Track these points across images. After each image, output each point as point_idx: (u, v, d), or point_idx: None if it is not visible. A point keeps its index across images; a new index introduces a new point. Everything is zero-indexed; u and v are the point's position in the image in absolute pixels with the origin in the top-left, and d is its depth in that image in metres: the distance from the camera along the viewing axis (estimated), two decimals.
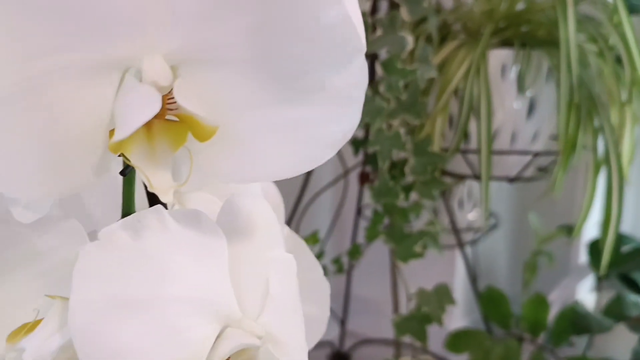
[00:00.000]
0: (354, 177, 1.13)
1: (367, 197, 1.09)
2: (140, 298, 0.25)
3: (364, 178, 1.11)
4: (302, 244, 0.39)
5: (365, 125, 0.90)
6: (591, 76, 0.92)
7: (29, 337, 0.25)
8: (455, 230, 1.09)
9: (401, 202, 0.92)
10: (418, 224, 0.99)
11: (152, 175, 0.25)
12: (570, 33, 0.85)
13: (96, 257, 0.25)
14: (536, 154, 0.99)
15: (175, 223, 0.27)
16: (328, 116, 0.25)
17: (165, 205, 0.27)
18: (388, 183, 0.85)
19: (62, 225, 0.26)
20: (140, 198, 0.29)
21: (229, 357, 0.28)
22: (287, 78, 0.25)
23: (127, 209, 0.28)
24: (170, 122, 0.26)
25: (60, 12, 0.23)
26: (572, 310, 1.01)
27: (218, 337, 0.27)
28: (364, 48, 0.24)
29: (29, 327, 0.26)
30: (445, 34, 0.99)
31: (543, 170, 1.06)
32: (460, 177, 1.04)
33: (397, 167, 0.89)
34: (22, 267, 0.28)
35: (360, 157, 1.07)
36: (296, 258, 0.31)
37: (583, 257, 1.33)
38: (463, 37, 0.99)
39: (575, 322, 0.99)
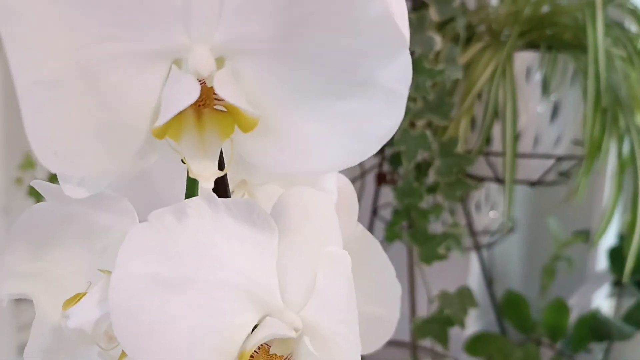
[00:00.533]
0: (369, 178, 1.13)
1: (383, 198, 1.09)
2: (181, 279, 0.25)
3: (381, 178, 1.11)
4: (375, 244, 0.39)
5: None
6: (617, 80, 0.91)
7: (74, 307, 0.26)
8: (473, 233, 1.09)
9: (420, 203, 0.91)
10: (435, 225, 0.99)
11: (193, 162, 0.26)
12: (598, 37, 0.85)
13: (142, 236, 0.25)
14: (559, 158, 0.98)
15: (226, 211, 0.27)
16: (373, 111, 0.26)
17: (228, 193, 0.27)
18: (412, 184, 0.85)
19: (116, 205, 0.27)
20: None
21: (270, 347, 0.28)
22: (333, 71, 0.25)
23: (190, 194, 0.29)
24: (219, 112, 0.26)
25: (112, 3, 0.24)
26: (593, 317, 1.01)
27: (257, 325, 0.28)
28: (407, 44, 0.24)
29: (79, 297, 0.27)
30: (469, 35, 0.99)
31: (564, 175, 1.05)
32: (480, 180, 1.03)
33: (420, 168, 0.89)
34: (78, 242, 0.29)
35: (377, 158, 1.06)
36: (367, 258, 0.31)
37: (600, 263, 1.32)
38: (487, 39, 0.98)
39: (595, 328, 0.99)
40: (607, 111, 0.89)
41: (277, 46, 0.25)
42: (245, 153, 0.27)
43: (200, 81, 0.25)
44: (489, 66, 0.94)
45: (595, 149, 0.90)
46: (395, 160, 0.97)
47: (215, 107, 0.26)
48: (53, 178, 0.81)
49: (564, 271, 1.21)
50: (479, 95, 0.96)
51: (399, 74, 0.25)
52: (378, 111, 0.25)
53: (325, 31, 0.25)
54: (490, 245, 1.17)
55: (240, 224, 0.28)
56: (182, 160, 0.30)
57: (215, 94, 0.26)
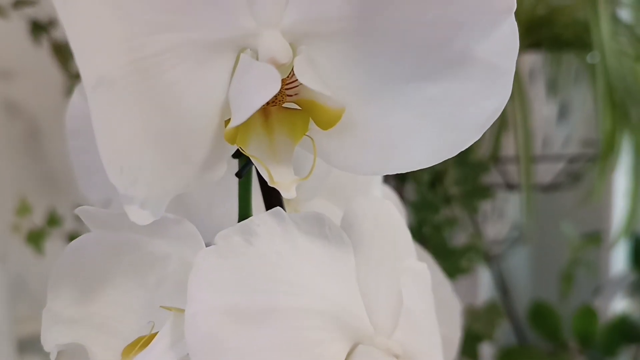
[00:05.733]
0: None
1: None
2: (261, 308, 0.22)
3: None
4: (429, 258, 0.36)
5: None
6: (624, 74, 0.89)
7: (143, 354, 0.23)
8: (483, 244, 1.06)
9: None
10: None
11: (273, 169, 0.21)
12: (603, 31, 0.83)
13: (212, 264, 0.22)
14: (572, 159, 0.96)
15: (295, 227, 0.23)
16: (471, 92, 0.22)
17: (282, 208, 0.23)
18: (427, 196, 0.82)
19: (177, 229, 0.23)
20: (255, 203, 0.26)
21: None
22: (423, 49, 0.22)
23: (244, 213, 0.25)
24: (290, 111, 0.23)
25: None
26: (621, 321, 0.97)
27: (348, 355, 0.24)
28: (514, 6, 0.21)
29: (143, 342, 0.23)
30: None
31: (575, 177, 1.03)
32: (489, 188, 1.01)
33: (433, 180, 0.86)
34: (129, 277, 0.25)
35: None
36: None
37: (616, 265, 1.29)
38: None
39: (625, 332, 0.95)
40: (618, 106, 0.87)
41: (355, 25, 0.22)
42: (322, 155, 0.23)
43: None
44: None
45: (610, 147, 0.87)
46: (402, 176, 0.94)
47: (284, 105, 0.23)
48: (51, 222, 0.75)
49: (580, 276, 1.18)
50: None
51: (501, 46, 0.21)
52: (477, 92, 0.22)
53: (412, 2, 0.21)
54: (502, 256, 1.14)
55: (312, 240, 0.24)
56: (236, 175, 0.27)
57: (286, 88, 0.22)
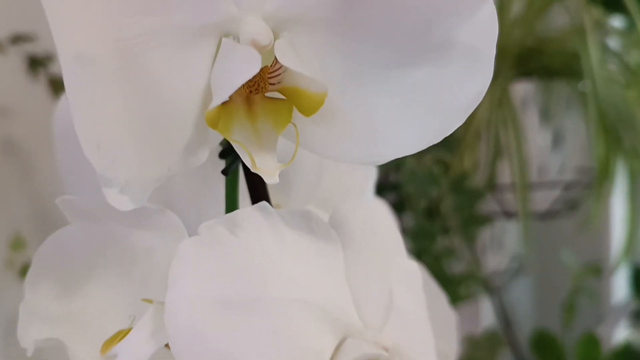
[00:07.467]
0: None
1: None
2: (247, 299, 0.22)
3: None
4: (422, 270, 0.35)
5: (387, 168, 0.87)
6: (615, 101, 0.90)
7: (122, 343, 0.22)
8: (483, 275, 1.05)
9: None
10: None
11: (256, 155, 0.22)
12: (593, 62, 0.84)
13: (196, 253, 0.22)
14: (568, 186, 0.96)
15: (282, 221, 0.23)
16: (454, 76, 0.22)
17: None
18: (424, 225, 0.81)
19: (159, 219, 0.23)
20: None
21: None
22: (405, 35, 0.22)
23: (231, 210, 0.25)
24: (273, 100, 0.23)
25: None
26: (625, 350, 0.96)
27: (336, 349, 0.23)
28: None
29: (123, 335, 0.23)
30: None
31: (571, 205, 1.03)
32: (484, 216, 1.00)
33: (429, 210, 0.86)
34: (113, 272, 0.24)
35: None
36: None
37: (617, 293, 1.28)
38: None
39: None
40: (610, 133, 0.87)
41: (337, 12, 0.22)
42: (306, 143, 0.23)
43: None
44: (485, 101, 0.93)
45: (604, 173, 0.87)
46: (399, 206, 0.94)
47: (268, 95, 0.23)
48: None
49: (582, 304, 1.16)
50: (478, 134, 0.94)
51: (482, 28, 0.21)
52: (460, 76, 0.22)
53: None
54: (504, 287, 1.12)
55: (299, 234, 0.24)
56: (223, 172, 0.27)
57: (269, 77, 0.22)
